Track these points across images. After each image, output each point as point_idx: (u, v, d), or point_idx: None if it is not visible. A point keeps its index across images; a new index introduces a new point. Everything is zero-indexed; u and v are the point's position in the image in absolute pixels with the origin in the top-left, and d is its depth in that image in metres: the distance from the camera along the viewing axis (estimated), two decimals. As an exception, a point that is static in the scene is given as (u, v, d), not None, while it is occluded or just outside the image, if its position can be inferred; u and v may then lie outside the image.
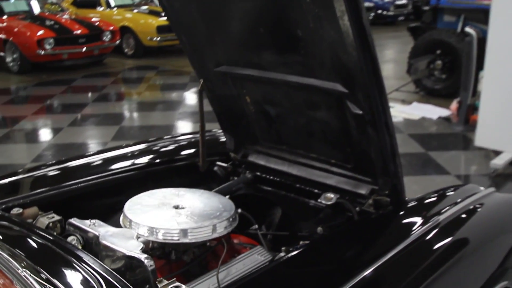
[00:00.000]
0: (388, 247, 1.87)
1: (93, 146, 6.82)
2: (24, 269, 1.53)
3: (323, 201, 2.32)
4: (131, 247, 1.77)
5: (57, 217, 2.10)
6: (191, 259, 2.07)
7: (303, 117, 2.34)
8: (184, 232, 1.95)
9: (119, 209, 2.14)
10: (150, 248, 2.02)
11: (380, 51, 13.01)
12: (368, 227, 2.16)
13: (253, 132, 2.63)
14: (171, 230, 1.95)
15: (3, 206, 2.14)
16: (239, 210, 2.25)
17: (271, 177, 2.61)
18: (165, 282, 1.59)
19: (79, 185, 2.42)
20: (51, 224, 2.07)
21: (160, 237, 1.95)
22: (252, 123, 2.59)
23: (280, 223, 2.51)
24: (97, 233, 1.88)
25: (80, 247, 1.89)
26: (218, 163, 2.80)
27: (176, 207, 2.12)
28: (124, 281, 1.55)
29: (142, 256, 1.70)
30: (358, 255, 1.94)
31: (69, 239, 1.93)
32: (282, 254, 1.98)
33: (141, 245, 1.80)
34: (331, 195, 2.32)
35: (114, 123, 7.63)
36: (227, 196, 2.43)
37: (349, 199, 2.30)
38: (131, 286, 1.53)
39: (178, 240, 1.95)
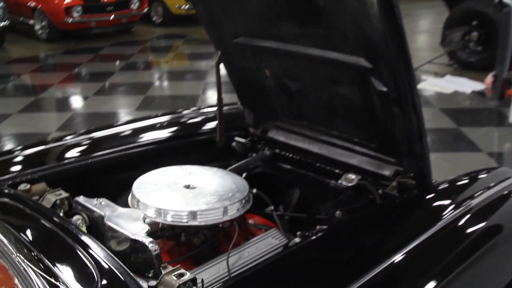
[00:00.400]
0: (414, 234, 1.74)
1: (117, 116, 6.78)
2: (18, 255, 1.45)
3: (344, 182, 2.19)
4: (136, 230, 1.70)
5: (65, 194, 2.01)
6: (202, 242, 1.98)
7: (325, 93, 2.21)
8: (193, 214, 1.85)
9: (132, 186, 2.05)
10: (160, 228, 1.93)
11: (413, 21, 12.65)
12: (392, 212, 2.02)
13: (273, 106, 2.51)
14: (179, 212, 1.85)
15: (10, 182, 2.07)
16: (254, 190, 2.15)
17: (291, 155, 2.50)
18: (170, 268, 1.50)
19: (91, 160, 2.34)
20: (58, 202, 1.98)
21: (168, 219, 1.86)
22: (272, 98, 2.47)
23: (298, 204, 2.40)
24: (102, 213, 1.80)
25: (84, 228, 1.82)
26: (237, 138, 2.69)
27: (187, 187, 2.03)
28: (125, 268, 1.46)
29: (147, 240, 1.62)
30: (380, 242, 1.81)
31: (74, 218, 1.86)
32: (297, 239, 1.87)
33: (147, 228, 1.72)
34: (352, 176, 2.19)
35: (140, 92, 7.57)
36: (244, 175, 2.33)
37: (372, 181, 2.16)
38: (132, 274, 1.44)
39: (187, 222, 1.85)
